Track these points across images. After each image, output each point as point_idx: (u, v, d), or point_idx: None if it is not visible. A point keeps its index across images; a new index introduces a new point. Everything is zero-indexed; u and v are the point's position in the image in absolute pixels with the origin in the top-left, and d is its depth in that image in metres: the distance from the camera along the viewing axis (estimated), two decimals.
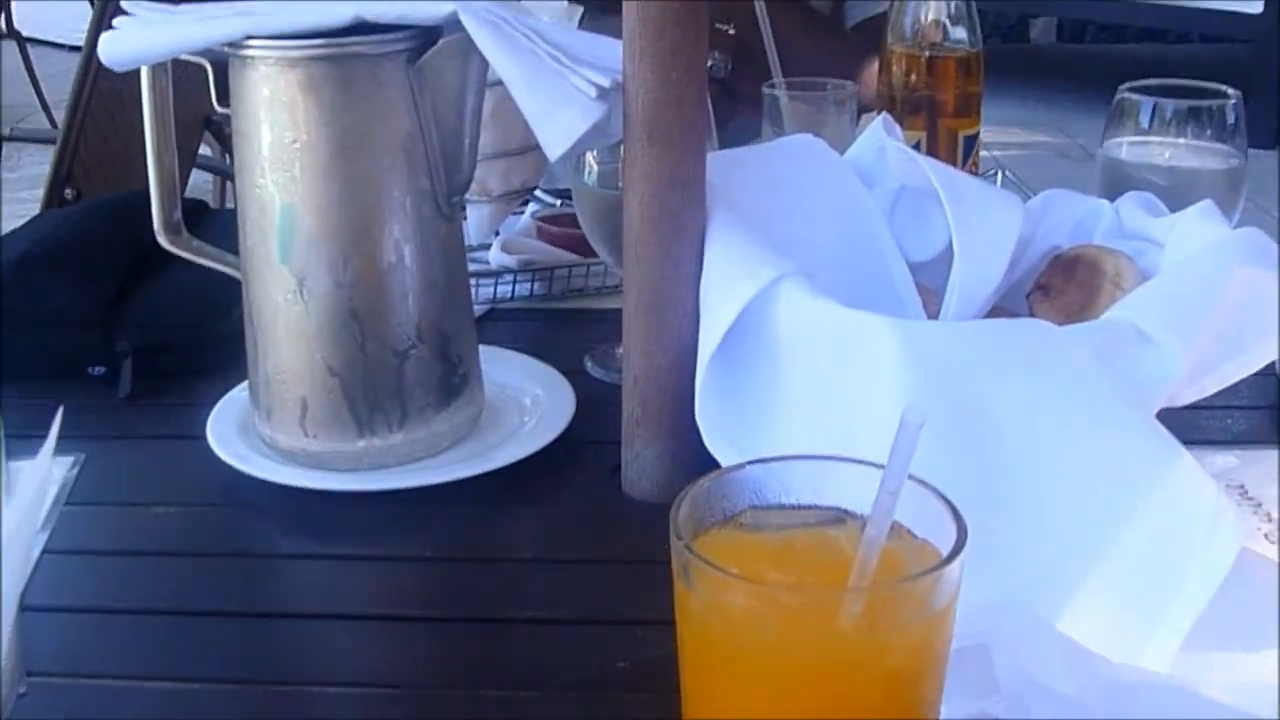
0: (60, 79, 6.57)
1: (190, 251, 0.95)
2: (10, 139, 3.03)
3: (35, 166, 4.80)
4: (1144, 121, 1.08)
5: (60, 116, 5.75)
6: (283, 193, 0.84)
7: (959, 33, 1.13)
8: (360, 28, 0.81)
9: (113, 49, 0.85)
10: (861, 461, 0.52)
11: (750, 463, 0.54)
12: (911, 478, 0.50)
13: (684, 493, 0.52)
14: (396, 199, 0.85)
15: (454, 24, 0.82)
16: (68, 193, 2.39)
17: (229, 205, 4.17)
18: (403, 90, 0.83)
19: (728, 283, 0.79)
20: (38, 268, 1.08)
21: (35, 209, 2.42)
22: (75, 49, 7.11)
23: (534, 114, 0.80)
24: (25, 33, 6.43)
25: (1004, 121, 5.98)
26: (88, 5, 4.85)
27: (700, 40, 0.79)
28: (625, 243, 0.82)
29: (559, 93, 0.80)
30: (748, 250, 0.81)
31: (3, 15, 6.25)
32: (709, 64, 1.39)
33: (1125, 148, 1.07)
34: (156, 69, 0.88)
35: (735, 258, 0.80)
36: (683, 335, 0.82)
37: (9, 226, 3.85)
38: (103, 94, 2.29)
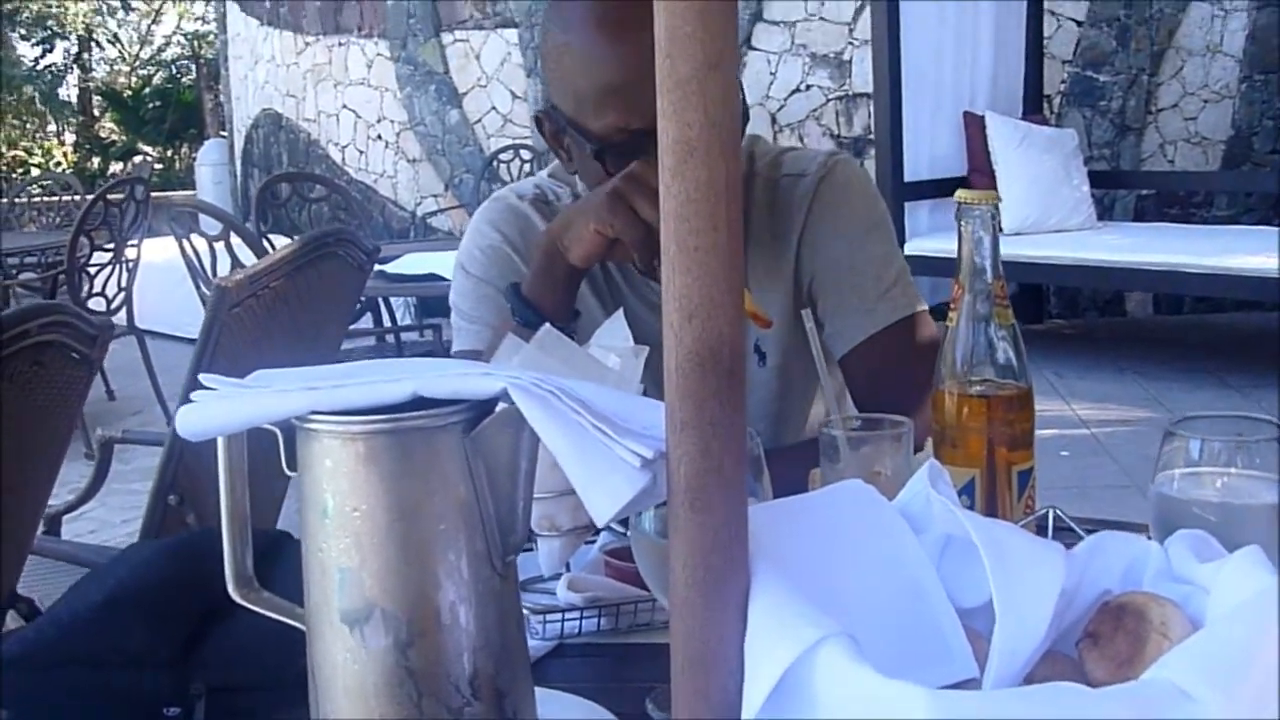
0: (177, 370, 6.85)
1: (260, 605, 0.98)
2: (121, 441, 3.14)
3: (148, 458, 4.95)
4: (1194, 454, 1.09)
5: (175, 408, 5.92)
6: (343, 557, 0.88)
7: (1010, 370, 1.16)
8: (417, 402, 0.86)
9: (189, 421, 0.91)
10: None
11: None
12: None
13: None
14: (452, 562, 0.88)
15: (505, 396, 0.87)
16: (171, 499, 2.48)
17: None
18: (458, 460, 0.87)
19: (770, 645, 0.81)
20: (117, 613, 1.12)
21: (146, 500, 2.51)
22: (191, 341, 7.39)
23: (582, 484, 0.84)
24: (144, 326, 6.73)
25: (1101, 397, 5.99)
26: (201, 306, 5.09)
27: (739, 412, 0.83)
28: (671, 604, 0.85)
29: (605, 463, 0.84)
30: (790, 610, 0.82)
31: (125, 311, 6.55)
32: None
33: (1176, 482, 1.09)
34: (231, 438, 0.94)
35: (778, 618, 0.82)
36: (728, 696, 0.83)
37: (120, 518, 3.96)
38: None
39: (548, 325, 1.30)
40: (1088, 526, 1.12)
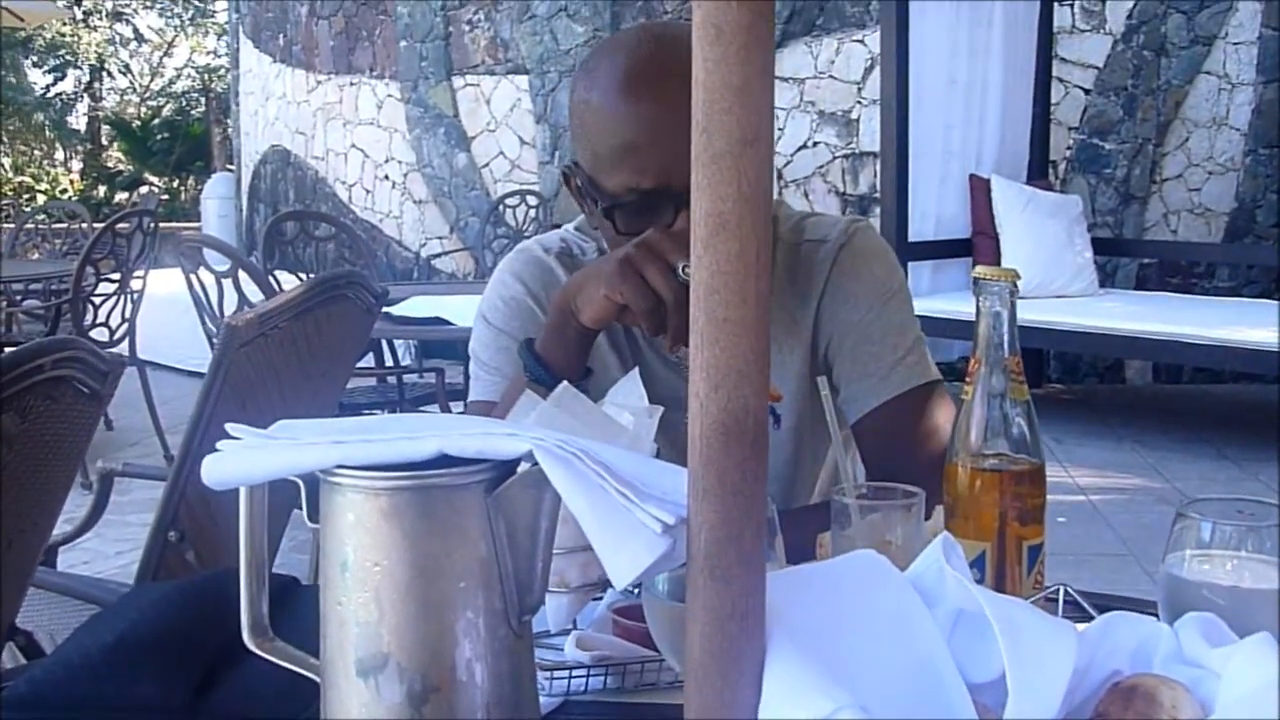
0: (176, 403, 6.87)
1: (275, 654, 0.99)
2: (122, 474, 3.13)
3: (145, 491, 4.96)
4: (1205, 537, 1.10)
5: (173, 442, 5.92)
6: (362, 611, 0.88)
7: (1024, 445, 1.17)
8: (442, 460, 0.87)
9: (214, 470, 0.92)
10: None
11: None
12: None
13: None
14: (470, 619, 0.89)
15: (529, 456, 0.88)
16: (171, 535, 2.48)
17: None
18: (480, 518, 0.88)
19: (784, 714, 0.81)
20: (128, 656, 1.13)
21: (143, 535, 2.51)
22: (192, 374, 7.38)
23: (603, 547, 0.85)
24: (145, 357, 6.74)
25: (1100, 465, 6.00)
26: (205, 338, 5.10)
27: (761, 481, 0.84)
28: (686, 670, 0.85)
29: (626, 527, 0.85)
30: (805, 680, 0.83)
31: (127, 341, 6.57)
32: (682, 267, 1.41)
33: (1186, 563, 1.09)
34: (254, 487, 0.95)
35: (792, 688, 0.83)
36: None
37: (114, 549, 3.96)
38: (212, 444, 2.40)
39: (565, 383, 1.30)
40: (1098, 604, 1.13)
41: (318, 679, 0.95)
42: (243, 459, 0.92)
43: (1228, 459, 6.21)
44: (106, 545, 4.85)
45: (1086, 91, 8.10)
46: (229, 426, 0.94)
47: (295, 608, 1.13)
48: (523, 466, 0.90)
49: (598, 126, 1.59)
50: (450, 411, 4.87)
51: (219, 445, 0.93)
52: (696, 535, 0.83)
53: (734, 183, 0.81)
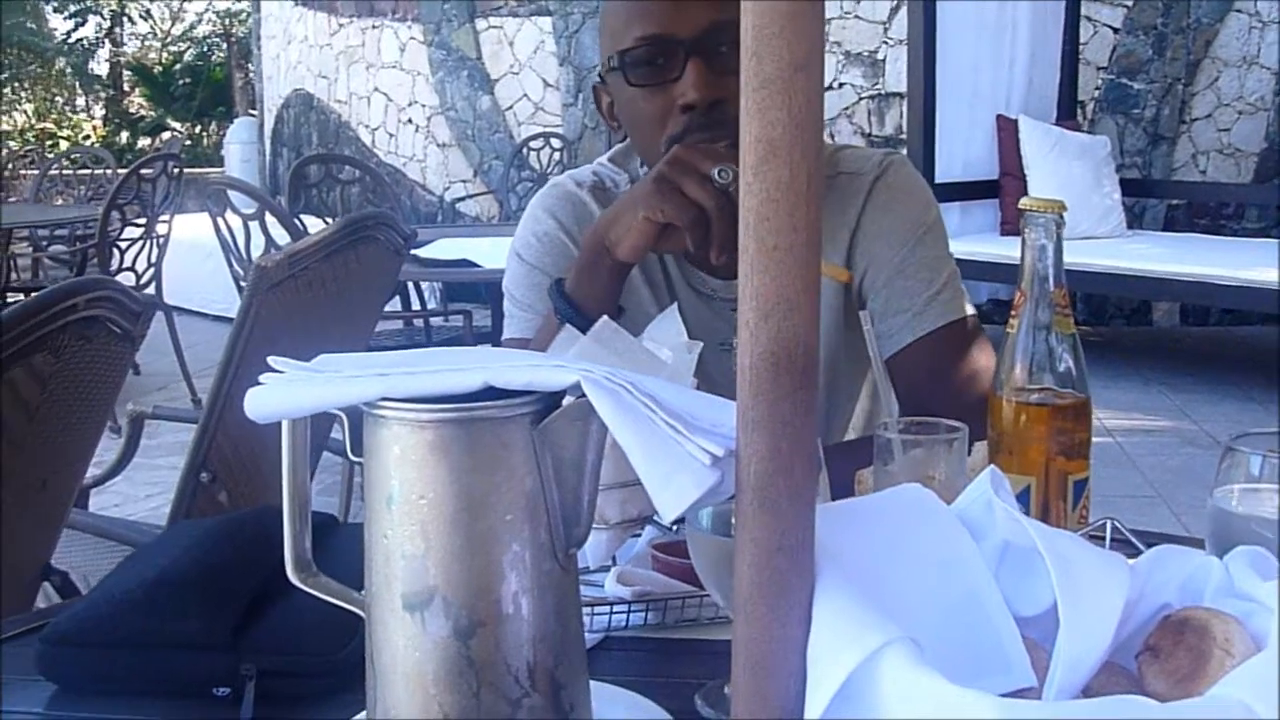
0: (202, 347, 6.89)
1: (319, 589, 0.99)
2: (153, 417, 3.14)
3: (174, 434, 4.98)
4: (1254, 471, 1.09)
5: (200, 386, 5.94)
6: (408, 544, 0.88)
7: (1069, 379, 1.15)
8: (487, 392, 0.86)
9: (258, 404, 0.91)
10: None
11: None
12: None
13: None
14: (516, 553, 0.88)
15: (576, 388, 0.87)
16: (203, 476, 2.49)
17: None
18: (526, 451, 0.87)
19: (834, 649, 0.81)
20: (170, 592, 1.13)
21: (172, 477, 2.52)
22: (218, 318, 7.41)
23: (651, 480, 0.84)
24: (171, 302, 6.76)
25: (1127, 407, 5.97)
26: (231, 282, 5.11)
27: (811, 414, 0.83)
28: (734, 603, 0.84)
29: (674, 460, 0.84)
30: (854, 613, 0.82)
31: (154, 286, 6.58)
32: (717, 171, 1.41)
33: (1235, 497, 1.08)
34: (296, 421, 0.94)
35: (842, 621, 0.82)
36: (789, 698, 0.83)
37: (144, 493, 3.97)
38: (242, 385, 2.40)
39: (605, 318, 1.29)
40: (1145, 539, 1.12)
41: (362, 614, 0.94)
42: (285, 392, 0.91)
43: (1255, 401, 6.18)
44: (136, 488, 4.87)
45: (1115, 30, 8.01)
46: (272, 360, 0.93)
47: (334, 545, 1.13)
48: (567, 400, 0.89)
49: (618, 2, 1.65)
50: None
51: (261, 378, 0.92)
52: (746, 467, 0.82)
53: (784, 108, 0.80)
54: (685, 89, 1.55)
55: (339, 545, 1.16)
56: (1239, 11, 7.84)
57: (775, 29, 0.79)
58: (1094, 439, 1.17)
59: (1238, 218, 8.02)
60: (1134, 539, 1.13)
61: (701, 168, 1.41)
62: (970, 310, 1.70)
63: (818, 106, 0.81)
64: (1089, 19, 7.90)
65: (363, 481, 0.93)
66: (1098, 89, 8.05)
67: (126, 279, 6.27)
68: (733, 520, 0.86)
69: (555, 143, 8.62)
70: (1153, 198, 8.00)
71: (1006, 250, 6.36)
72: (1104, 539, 1.15)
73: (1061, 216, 1.14)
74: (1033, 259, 1.15)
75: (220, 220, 4.65)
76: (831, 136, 8.32)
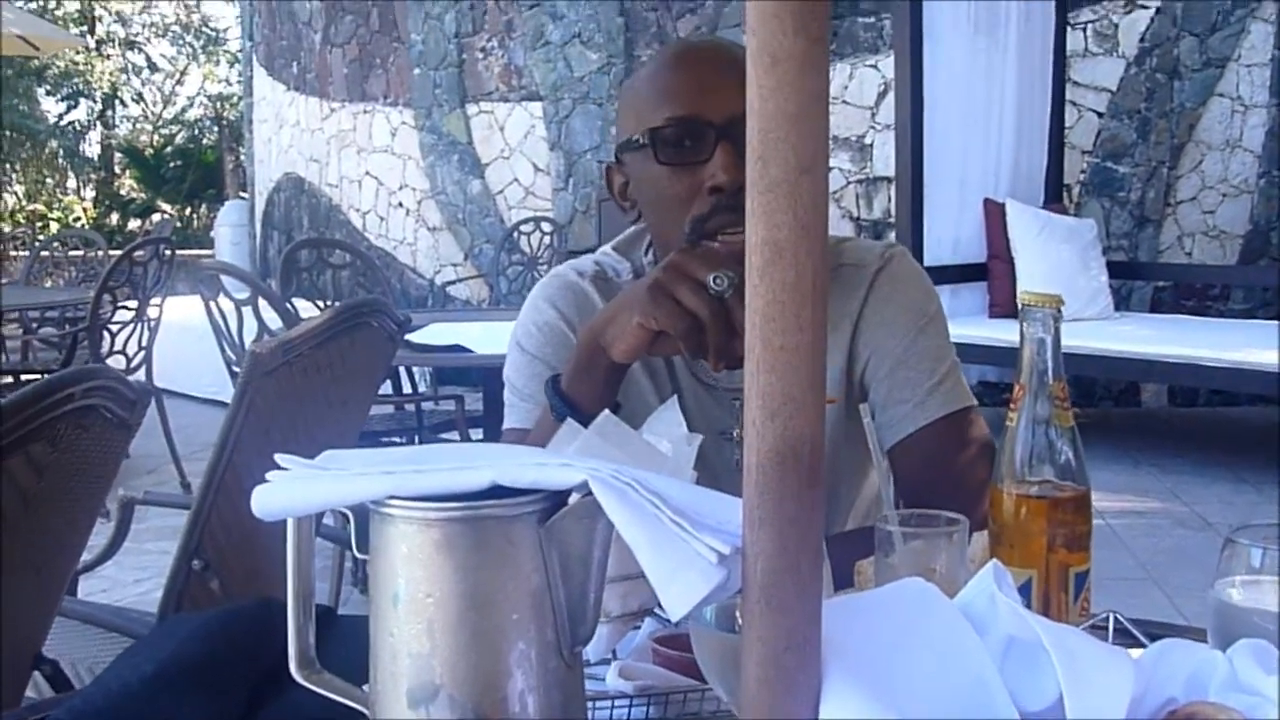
0: (192, 430, 6.88)
1: (323, 687, 0.98)
2: (143, 502, 3.13)
3: (162, 518, 4.96)
4: (1255, 562, 1.09)
5: (190, 470, 5.91)
6: (414, 643, 0.88)
7: (1069, 471, 1.16)
8: (494, 490, 0.87)
9: (264, 502, 0.91)
10: None
11: None
12: None
13: None
14: (522, 651, 0.88)
15: (583, 486, 0.87)
16: (196, 563, 2.47)
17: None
18: (533, 549, 0.88)
19: None
20: (168, 686, 1.12)
21: (161, 562, 2.50)
22: (209, 401, 7.38)
23: (657, 577, 0.84)
24: (162, 385, 6.75)
25: (1119, 488, 5.97)
26: (221, 364, 5.11)
27: (817, 510, 0.83)
28: (741, 702, 0.85)
29: (681, 558, 0.84)
30: (861, 710, 0.83)
31: (144, 369, 6.58)
32: (713, 279, 1.40)
33: (1236, 589, 1.09)
34: (302, 518, 0.94)
35: (850, 718, 0.82)
36: None
37: (132, 578, 3.95)
38: (236, 471, 2.40)
39: (606, 412, 1.30)
40: (1148, 630, 1.12)
41: (367, 711, 0.94)
42: (292, 489, 0.92)
43: (1246, 482, 6.19)
44: (124, 573, 4.84)
45: (1100, 115, 8.10)
46: (278, 457, 0.94)
47: (333, 639, 1.13)
48: (574, 497, 0.89)
49: (645, 85, 1.67)
50: (469, 438, 4.87)
51: (268, 476, 0.92)
52: (752, 565, 0.83)
53: (790, 210, 0.81)
54: (715, 171, 1.56)
55: (338, 638, 1.15)
56: (1221, 95, 7.94)
57: (781, 133, 0.80)
58: None
59: (1224, 299, 8.07)
60: (1136, 631, 1.13)
61: (698, 275, 1.42)
62: (971, 399, 1.71)
63: (823, 209, 0.82)
64: (1074, 103, 7.99)
65: (366, 577, 0.93)
66: (1083, 172, 8.13)
67: (117, 362, 6.26)
68: (737, 615, 0.86)
69: (546, 227, 8.67)
70: (1139, 280, 8.05)
71: (995, 333, 6.39)
72: (1107, 631, 1.15)
73: (1059, 311, 1.15)
74: (1031, 352, 1.16)
75: (213, 304, 4.66)
76: None
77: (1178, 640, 1.00)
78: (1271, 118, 7.86)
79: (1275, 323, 7.19)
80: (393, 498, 0.88)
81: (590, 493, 0.87)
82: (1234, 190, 7.97)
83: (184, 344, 7.87)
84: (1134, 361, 6.58)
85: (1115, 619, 1.14)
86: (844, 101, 8.42)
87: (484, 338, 4.42)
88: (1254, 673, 0.96)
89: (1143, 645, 1.04)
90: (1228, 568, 1.10)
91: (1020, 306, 1.15)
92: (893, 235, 7.28)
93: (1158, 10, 7.95)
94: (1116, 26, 8.03)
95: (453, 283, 10.13)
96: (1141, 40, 8.00)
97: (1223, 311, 7.96)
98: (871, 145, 8.34)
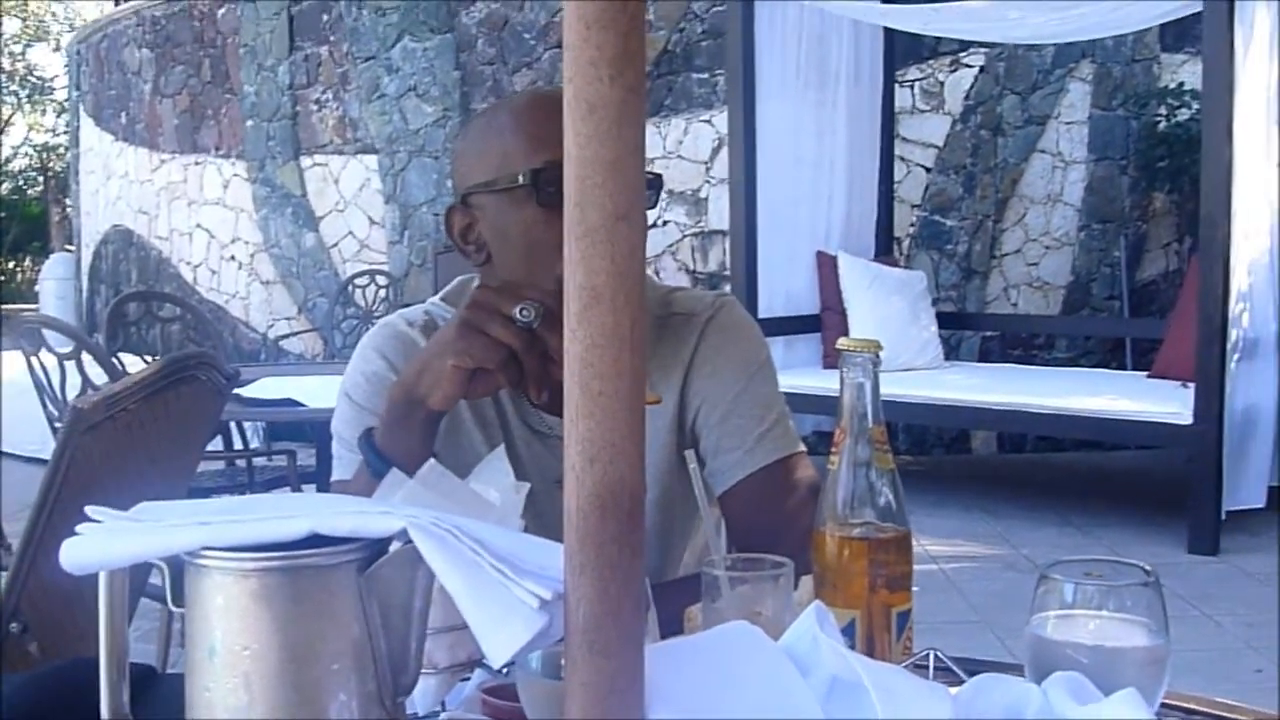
0: (14, 488, 6.65)
1: None
2: None
3: None
4: (1067, 598, 1.12)
5: (10, 529, 5.72)
6: (231, 697, 0.86)
7: (890, 513, 1.18)
8: (312, 540, 0.86)
9: (74, 555, 0.89)
10: None
11: None
12: None
13: None
14: (343, 702, 0.87)
15: (403, 534, 0.86)
16: (14, 626, 2.39)
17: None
18: (352, 599, 0.87)
19: None
20: None
21: None
22: (30, 459, 7.13)
23: (479, 625, 0.84)
24: None
25: (950, 533, 6.09)
26: (45, 422, 4.96)
27: (638, 555, 0.84)
28: None
29: (503, 605, 0.84)
30: None
31: None
32: (519, 310, 1.41)
33: (1051, 624, 1.11)
34: (114, 572, 0.92)
35: None
36: None
37: None
38: (56, 531, 2.33)
39: (432, 460, 1.29)
40: (967, 668, 1.15)
41: None
42: (104, 542, 0.89)
43: (1072, 525, 6.36)
44: None
45: (928, 170, 8.31)
46: (90, 510, 0.91)
47: (152, 699, 1.10)
48: (394, 545, 0.88)
49: (511, 126, 1.64)
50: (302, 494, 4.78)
51: (79, 529, 0.90)
52: (575, 610, 0.83)
53: (607, 256, 0.82)
54: None
55: (158, 698, 1.13)
56: (1042, 152, 8.21)
57: (598, 179, 0.81)
58: (918, 566, 1.20)
59: (1048, 348, 8.31)
60: (956, 668, 1.16)
61: (504, 309, 1.42)
62: (799, 446, 1.73)
63: (640, 254, 0.83)
64: (902, 158, 8.19)
65: (183, 631, 0.91)
66: (913, 225, 8.32)
67: None
68: (562, 663, 0.86)
69: (380, 280, 8.60)
70: (968, 330, 8.26)
71: (829, 383, 6.46)
72: (928, 669, 1.17)
73: (878, 356, 1.17)
74: (851, 397, 1.18)
75: (34, 359, 4.52)
76: (657, 273, 8.45)
77: (995, 675, 1.03)
78: (1090, 173, 8.16)
79: (1098, 370, 7.46)
80: (207, 548, 0.86)
81: (410, 541, 0.86)
82: (1056, 243, 8.24)
83: (5, 400, 7.62)
84: (963, 409, 6.75)
85: (935, 656, 1.17)
86: (679, 156, 8.52)
87: (317, 392, 4.35)
88: (1067, 704, 0.98)
89: (962, 681, 1.06)
90: (1042, 603, 1.13)
91: (840, 352, 1.18)
92: (728, 287, 7.36)
93: (981, 69, 8.20)
94: (942, 84, 8.27)
95: (286, 336, 9.98)
96: (966, 98, 8.24)
97: (1047, 360, 8.21)
98: (706, 199, 8.45)
